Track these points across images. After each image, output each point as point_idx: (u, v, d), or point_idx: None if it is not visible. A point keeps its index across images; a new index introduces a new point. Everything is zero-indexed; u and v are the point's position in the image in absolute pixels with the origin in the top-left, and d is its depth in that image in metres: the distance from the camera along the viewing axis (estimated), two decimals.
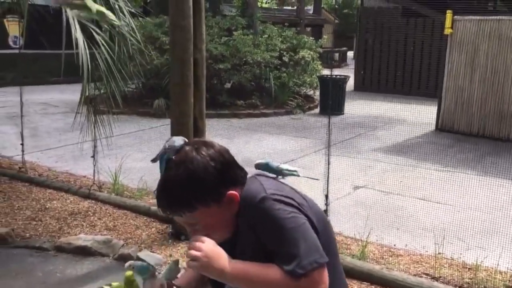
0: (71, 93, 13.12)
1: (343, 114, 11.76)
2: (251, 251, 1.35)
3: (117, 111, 5.71)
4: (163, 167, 1.42)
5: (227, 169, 1.40)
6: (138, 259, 4.19)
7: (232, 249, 1.39)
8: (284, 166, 1.78)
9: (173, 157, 1.39)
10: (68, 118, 8.72)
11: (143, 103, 11.60)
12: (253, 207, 1.35)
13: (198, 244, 1.31)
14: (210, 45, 11.59)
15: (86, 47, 4.69)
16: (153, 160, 1.49)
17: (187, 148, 1.40)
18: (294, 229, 1.31)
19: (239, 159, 1.51)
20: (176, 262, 1.55)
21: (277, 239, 1.31)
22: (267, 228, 1.33)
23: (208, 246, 1.30)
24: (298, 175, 1.84)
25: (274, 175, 1.67)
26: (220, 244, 1.37)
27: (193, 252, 1.29)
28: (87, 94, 5.28)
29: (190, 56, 4.61)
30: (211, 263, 1.29)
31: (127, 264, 1.53)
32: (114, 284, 1.53)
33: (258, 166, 1.75)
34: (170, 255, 4.45)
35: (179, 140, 1.44)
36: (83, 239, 4.63)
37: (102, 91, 5.58)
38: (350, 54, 25.68)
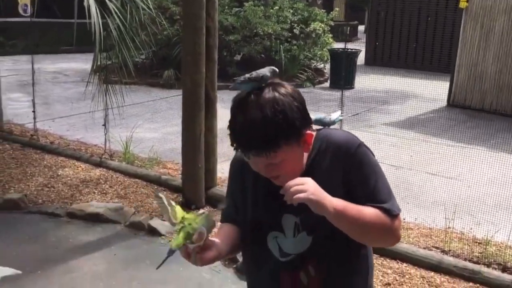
0: (82, 62, 13.10)
1: (354, 88, 11.64)
2: (330, 193, 1.35)
3: (127, 81, 5.68)
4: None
5: (305, 108, 1.43)
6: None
7: None
8: (334, 116, 1.87)
9: (252, 97, 1.37)
10: (79, 87, 8.70)
11: (153, 74, 11.56)
12: (352, 152, 1.44)
13: (300, 178, 1.33)
14: (220, 16, 11.44)
15: (99, 15, 4.64)
16: (232, 88, 1.45)
17: (267, 89, 1.39)
18: (384, 175, 1.47)
19: None
20: (210, 216, 1.51)
21: (375, 182, 1.43)
22: (365, 172, 1.44)
23: (309, 180, 1.33)
24: (343, 117, 1.93)
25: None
26: None
27: (300, 186, 1.29)
28: (98, 63, 5.26)
29: (203, 23, 4.56)
30: (318, 192, 1.31)
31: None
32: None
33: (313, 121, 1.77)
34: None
35: (267, 72, 1.43)
36: (95, 206, 4.68)
37: (113, 60, 5.55)
38: (361, 28, 25.30)
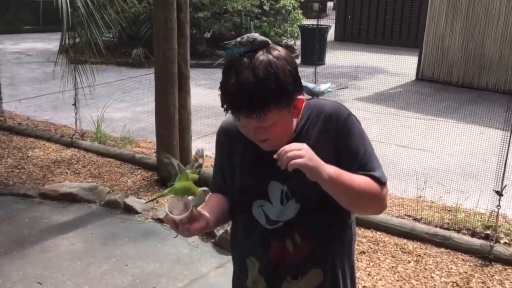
0: (45, 42, 12.76)
1: (324, 64, 11.68)
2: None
3: (96, 60, 5.56)
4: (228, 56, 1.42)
5: (297, 73, 1.43)
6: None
7: None
8: (324, 87, 1.87)
9: (245, 58, 1.37)
10: (44, 68, 8.51)
11: (121, 53, 11.33)
12: (342, 122, 1.45)
13: (295, 144, 1.32)
14: None
15: None
16: (225, 54, 1.44)
17: (261, 51, 1.39)
18: (371, 145, 1.48)
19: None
20: (206, 192, 1.53)
21: (364, 152, 1.45)
22: (354, 141, 1.45)
23: (305, 146, 1.33)
24: (332, 90, 1.93)
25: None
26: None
27: (297, 152, 1.29)
28: (66, 41, 5.12)
29: None
30: (314, 159, 1.31)
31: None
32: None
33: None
34: (157, 201, 4.47)
35: (257, 36, 1.42)
36: (68, 186, 4.62)
37: (82, 38, 5.41)
38: (330, 4, 25.30)
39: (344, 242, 1.55)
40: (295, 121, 1.48)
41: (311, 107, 1.51)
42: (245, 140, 1.48)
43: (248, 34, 1.44)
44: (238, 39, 1.43)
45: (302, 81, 1.55)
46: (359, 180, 1.40)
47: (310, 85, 1.92)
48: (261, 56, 1.37)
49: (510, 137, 3.74)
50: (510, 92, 3.95)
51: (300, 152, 1.28)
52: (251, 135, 1.44)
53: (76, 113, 5.72)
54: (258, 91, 1.33)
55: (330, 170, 1.34)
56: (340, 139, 1.44)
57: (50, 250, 3.73)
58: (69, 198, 4.48)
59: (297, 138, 1.46)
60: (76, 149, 5.55)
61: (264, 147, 1.45)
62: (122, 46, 11.36)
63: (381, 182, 1.43)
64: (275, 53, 1.38)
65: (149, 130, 6.12)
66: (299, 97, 1.43)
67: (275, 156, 1.30)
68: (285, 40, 13.24)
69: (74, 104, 5.64)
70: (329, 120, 1.46)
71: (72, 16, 4.61)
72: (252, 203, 1.53)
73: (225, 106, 1.39)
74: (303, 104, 1.49)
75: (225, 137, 1.61)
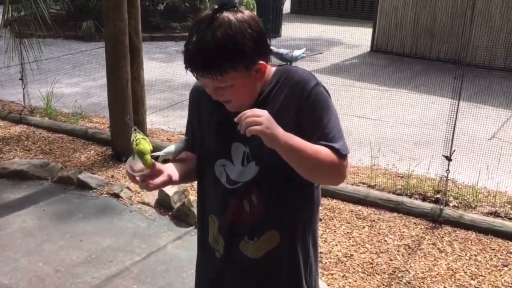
0: None
1: (280, 36, 11.66)
2: (282, 127, 1.36)
3: (43, 34, 5.33)
4: None
5: (261, 38, 1.42)
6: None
7: None
8: (297, 53, 1.84)
9: (209, 18, 1.37)
10: None
11: (71, 26, 10.92)
12: (307, 90, 1.43)
13: (256, 110, 1.32)
14: None
15: None
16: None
17: (225, 12, 1.38)
18: (337, 116, 1.47)
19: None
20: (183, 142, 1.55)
21: (328, 122, 1.43)
22: (319, 110, 1.44)
23: (266, 113, 1.32)
24: (306, 56, 1.91)
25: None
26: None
27: (256, 118, 1.29)
28: (10, 15, 4.88)
29: None
30: (272, 126, 1.31)
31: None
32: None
33: (273, 54, 1.75)
34: (112, 176, 4.39)
35: None
36: (18, 163, 4.47)
37: (27, 10, 5.16)
38: None
39: (303, 207, 1.56)
40: (260, 85, 1.48)
41: (281, 73, 1.50)
42: (213, 100, 1.49)
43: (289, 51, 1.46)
44: (283, 51, 1.47)
45: (274, 47, 1.54)
46: (318, 151, 1.40)
47: (283, 51, 1.89)
48: (224, 17, 1.36)
49: (458, 104, 3.85)
50: (460, 62, 4.05)
51: (259, 119, 1.29)
52: (212, 94, 1.45)
53: (23, 88, 5.50)
54: (213, 51, 1.34)
55: (288, 138, 1.34)
56: (304, 107, 1.44)
57: (2, 228, 3.61)
58: (20, 175, 4.33)
59: (263, 102, 1.46)
60: (25, 126, 5.36)
61: (228, 108, 1.47)
62: (72, 19, 10.94)
63: (342, 154, 1.43)
64: (239, 15, 1.38)
65: (102, 105, 5.96)
66: (261, 61, 1.42)
67: (235, 119, 1.31)
68: None
69: (21, 79, 5.42)
70: (296, 87, 1.45)
71: None
72: (215, 162, 1.54)
73: (185, 63, 1.40)
74: (275, 69, 1.51)
75: (195, 94, 1.63)
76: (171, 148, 1.58)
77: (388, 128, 5.75)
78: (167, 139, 5.11)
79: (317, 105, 1.44)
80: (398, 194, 4.05)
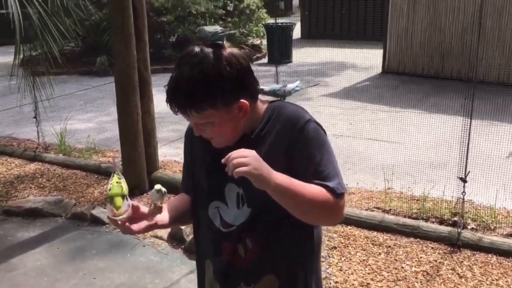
0: (4, 55, 12.41)
1: (291, 62, 11.74)
2: (273, 166, 1.32)
3: (55, 72, 5.44)
4: None
5: (243, 76, 1.39)
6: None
7: None
8: (291, 87, 1.83)
9: (191, 54, 1.37)
10: (3, 82, 8.24)
11: (85, 62, 11.16)
12: (299, 127, 1.40)
13: (243, 150, 1.28)
14: None
15: (18, 4, 4.39)
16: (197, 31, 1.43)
17: (207, 48, 1.37)
18: (333, 153, 1.42)
19: None
20: (160, 191, 1.51)
21: (321, 159, 1.38)
22: (312, 147, 1.39)
23: (253, 153, 1.29)
24: (301, 88, 1.90)
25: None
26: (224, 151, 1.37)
27: (242, 159, 1.25)
28: (22, 55, 4.99)
29: (129, 4, 4.42)
30: (260, 167, 1.27)
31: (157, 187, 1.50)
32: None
33: (266, 93, 1.75)
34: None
35: (225, 31, 1.40)
36: (33, 201, 4.50)
37: (38, 51, 5.28)
38: (296, 1, 25.42)
39: (302, 248, 1.50)
40: (249, 122, 1.45)
41: (273, 109, 1.47)
42: (205, 142, 1.47)
43: (218, 28, 1.43)
44: (207, 28, 1.44)
45: (265, 86, 1.52)
46: (311, 191, 1.34)
47: (275, 86, 1.88)
48: (205, 54, 1.35)
49: (470, 124, 3.79)
50: (470, 80, 4.00)
51: (245, 160, 1.25)
52: (194, 131, 1.44)
53: (37, 126, 5.58)
54: (188, 87, 1.33)
55: (279, 179, 1.29)
56: (296, 144, 1.39)
57: (16, 268, 3.62)
58: (34, 213, 4.36)
59: (255, 140, 1.43)
60: (40, 163, 5.42)
61: (214, 144, 1.45)
62: (85, 55, 11.18)
63: (337, 193, 1.36)
64: (220, 52, 1.36)
65: (115, 139, 6.01)
66: (243, 100, 1.39)
67: (222, 161, 1.27)
68: (251, 40, 13.25)
69: (35, 117, 5.50)
70: (287, 124, 1.42)
71: (26, 29, 4.48)
72: (209, 204, 1.51)
73: (166, 100, 1.39)
74: (267, 106, 1.48)
75: (190, 135, 1.61)
76: (152, 194, 1.54)
77: (401, 150, 5.67)
78: (179, 170, 5.12)
79: (309, 142, 1.39)
80: (414, 218, 3.96)
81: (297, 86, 1.94)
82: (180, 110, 1.37)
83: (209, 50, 1.36)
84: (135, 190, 4.59)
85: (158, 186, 1.50)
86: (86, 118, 7.61)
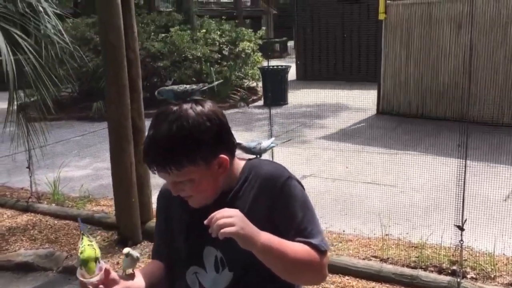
0: (2, 102, 12.50)
1: (287, 104, 11.82)
2: (256, 225, 1.29)
3: (52, 117, 5.44)
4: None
5: (222, 132, 1.38)
6: None
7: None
8: (265, 144, 1.84)
9: (168, 112, 1.34)
10: None
11: (81, 107, 11.22)
12: (279, 185, 1.39)
13: (227, 210, 1.25)
14: (147, 43, 11.33)
15: (10, 53, 4.43)
16: (156, 93, 1.42)
17: (185, 105, 1.35)
18: (313, 210, 1.42)
19: None
20: (132, 256, 1.45)
21: (303, 217, 1.38)
22: (293, 205, 1.38)
23: (238, 213, 1.26)
24: (276, 145, 1.90)
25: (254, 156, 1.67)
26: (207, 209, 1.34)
27: (228, 219, 1.22)
28: (16, 102, 5.00)
29: (123, 56, 4.46)
30: (247, 226, 1.24)
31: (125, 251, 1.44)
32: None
33: (242, 148, 1.74)
34: (118, 263, 4.30)
35: (196, 88, 1.40)
36: (24, 254, 4.42)
37: (33, 98, 5.30)
38: (291, 43, 25.87)
39: None
40: (225, 179, 1.43)
41: (250, 168, 1.46)
42: (181, 203, 1.43)
43: (190, 86, 1.45)
44: (176, 87, 1.45)
45: (242, 141, 1.50)
46: (296, 249, 1.32)
47: (251, 144, 1.90)
48: (182, 110, 1.34)
49: (465, 169, 3.77)
50: (464, 120, 4.00)
51: (231, 220, 1.22)
52: (172, 190, 1.40)
53: (30, 176, 5.54)
54: (167, 145, 1.31)
55: (264, 238, 1.27)
56: (277, 203, 1.38)
57: None
58: (25, 268, 4.27)
59: (232, 200, 1.40)
60: (32, 214, 5.35)
61: (191, 204, 1.41)
62: (82, 101, 11.25)
63: (321, 250, 1.36)
64: (198, 108, 1.35)
65: (110, 187, 5.94)
66: (222, 155, 1.37)
67: (205, 222, 1.24)
68: (246, 83, 13.38)
69: (28, 167, 5.47)
70: (267, 183, 1.41)
71: (19, 77, 4.50)
72: (186, 269, 1.46)
73: (143, 158, 1.37)
74: (243, 165, 1.46)
75: (163, 200, 1.57)
76: (123, 261, 1.47)
77: (398, 194, 5.63)
78: None
79: (290, 200, 1.38)
80: (412, 267, 3.87)
81: (272, 143, 1.95)
82: (159, 168, 1.34)
83: (187, 106, 1.35)
84: (128, 241, 4.51)
85: (126, 250, 1.43)
86: (82, 164, 7.58)
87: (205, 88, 1.53)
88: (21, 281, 4.13)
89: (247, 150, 1.80)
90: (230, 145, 1.42)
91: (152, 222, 4.80)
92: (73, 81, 5.42)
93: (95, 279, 1.32)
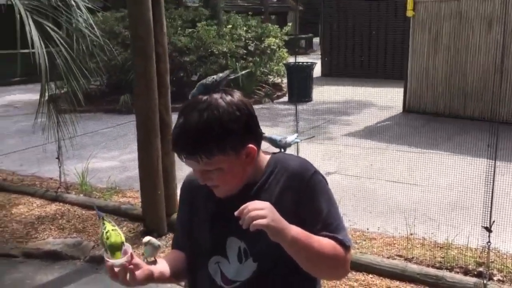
0: (32, 94, 12.75)
1: (312, 100, 11.78)
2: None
3: (81, 110, 5.55)
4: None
5: (250, 122, 1.40)
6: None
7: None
8: (290, 139, 1.86)
9: (198, 101, 1.37)
10: (30, 120, 8.40)
11: (109, 100, 11.38)
12: (306, 179, 1.41)
13: (258, 202, 1.27)
14: (174, 37, 11.42)
15: (43, 46, 4.52)
16: (192, 96, 1.45)
17: (215, 95, 1.37)
18: (337, 206, 1.44)
19: None
20: (155, 246, 1.48)
21: (329, 211, 1.40)
22: (319, 200, 1.40)
23: (269, 205, 1.27)
24: (300, 141, 1.92)
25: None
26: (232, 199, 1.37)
27: (260, 212, 1.23)
28: (47, 94, 5.11)
29: (152, 50, 4.51)
30: (278, 219, 1.26)
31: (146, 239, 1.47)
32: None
33: (265, 138, 1.75)
34: (143, 254, 4.36)
35: (223, 76, 1.43)
36: (52, 243, 4.52)
37: (63, 90, 5.42)
38: (316, 40, 25.75)
39: None
40: (251, 171, 1.44)
41: (276, 161, 1.47)
42: (207, 193, 1.45)
43: (214, 76, 1.46)
44: (203, 80, 1.45)
45: (267, 134, 1.52)
46: (322, 243, 1.34)
47: (276, 138, 1.91)
48: (212, 99, 1.36)
49: (494, 169, 3.71)
50: (494, 120, 3.94)
51: (263, 212, 1.24)
52: (199, 179, 1.41)
53: (60, 166, 5.66)
54: (198, 132, 1.32)
55: (294, 231, 1.28)
56: (304, 197, 1.40)
57: None
58: (53, 256, 4.37)
59: (258, 192, 1.42)
60: (61, 203, 5.46)
61: (216, 193, 1.43)
62: (109, 94, 11.41)
63: (345, 246, 1.38)
64: (228, 98, 1.37)
65: (136, 178, 6.02)
66: (250, 145, 1.39)
67: (236, 213, 1.25)
68: (272, 79, 13.37)
69: (58, 158, 5.59)
70: (293, 178, 1.42)
71: (51, 70, 4.60)
72: (209, 259, 1.47)
73: (172, 147, 1.38)
74: (269, 158, 1.48)
75: (187, 189, 1.58)
76: (145, 250, 1.48)
77: (424, 193, 5.57)
78: None
79: (316, 194, 1.40)
80: (437, 268, 3.84)
81: (296, 138, 1.96)
82: (189, 157, 1.35)
83: (217, 96, 1.37)
84: (154, 233, 4.57)
85: (147, 239, 1.45)
86: (109, 156, 7.70)
87: (231, 76, 1.53)
88: (49, 268, 4.23)
89: (272, 142, 1.81)
90: (258, 136, 1.44)
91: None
92: (103, 74, 5.49)
93: (122, 260, 1.33)
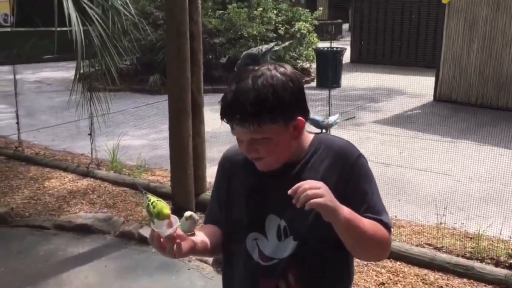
0: (65, 71, 12.98)
1: (340, 87, 11.66)
2: None
3: (112, 88, 5.62)
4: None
5: (302, 94, 1.42)
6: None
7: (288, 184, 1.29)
8: (332, 119, 1.86)
9: (251, 69, 1.37)
10: (63, 96, 8.56)
11: (138, 80, 11.47)
12: (352, 161, 1.42)
13: (314, 182, 1.27)
14: (204, 19, 11.37)
15: (80, 23, 4.57)
16: (237, 68, 1.46)
17: (268, 65, 1.38)
18: (378, 189, 1.47)
19: None
20: (195, 220, 1.47)
21: (372, 194, 1.42)
22: (364, 182, 1.43)
23: (324, 184, 1.28)
24: (340, 121, 1.92)
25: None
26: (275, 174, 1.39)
27: (317, 191, 1.23)
28: (81, 71, 5.18)
29: (186, 28, 4.52)
30: (334, 199, 1.27)
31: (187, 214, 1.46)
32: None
33: (309, 121, 1.75)
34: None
35: (269, 47, 1.45)
36: (83, 217, 4.61)
37: (97, 67, 5.48)
38: (345, 26, 25.38)
39: (340, 284, 1.49)
40: (296, 146, 1.44)
41: (318, 141, 1.47)
42: (246, 169, 1.46)
43: (260, 46, 1.46)
44: (249, 50, 1.47)
45: (312, 114, 1.51)
46: (370, 225, 1.36)
47: (319, 118, 1.90)
48: (265, 69, 1.37)
49: None
50: None
51: (320, 191, 1.24)
52: (245, 149, 1.40)
53: (91, 142, 5.75)
54: (253, 99, 1.32)
55: (346, 211, 1.29)
56: (349, 179, 1.41)
57: (65, 284, 3.70)
58: (84, 229, 4.47)
59: (302, 170, 1.42)
60: (92, 179, 5.56)
61: (258, 166, 1.42)
62: (139, 73, 11.49)
63: (388, 227, 1.40)
64: (281, 69, 1.38)
65: (165, 157, 6.08)
66: (299, 117, 1.39)
67: (289, 192, 1.24)
68: (300, 64, 13.26)
69: (90, 134, 5.68)
70: (338, 159, 1.42)
71: (86, 47, 4.66)
72: (246, 235, 1.47)
73: (221, 113, 1.37)
74: (312, 137, 1.47)
75: (227, 164, 1.58)
76: (182, 224, 1.46)
77: (454, 182, 5.48)
78: None
79: (362, 177, 1.42)
80: (467, 258, 3.79)
81: (337, 119, 1.95)
82: (240, 123, 1.34)
83: (271, 66, 1.38)
84: (182, 212, 4.62)
85: (189, 213, 1.44)
86: (139, 134, 7.78)
87: (275, 48, 1.53)
88: (80, 242, 4.32)
89: (315, 123, 1.80)
90: (306, 111, 1.43)
91: (206, 195, 4.90)
92: (136, 52, 5.53)
93: (171, 230, 1.33)
